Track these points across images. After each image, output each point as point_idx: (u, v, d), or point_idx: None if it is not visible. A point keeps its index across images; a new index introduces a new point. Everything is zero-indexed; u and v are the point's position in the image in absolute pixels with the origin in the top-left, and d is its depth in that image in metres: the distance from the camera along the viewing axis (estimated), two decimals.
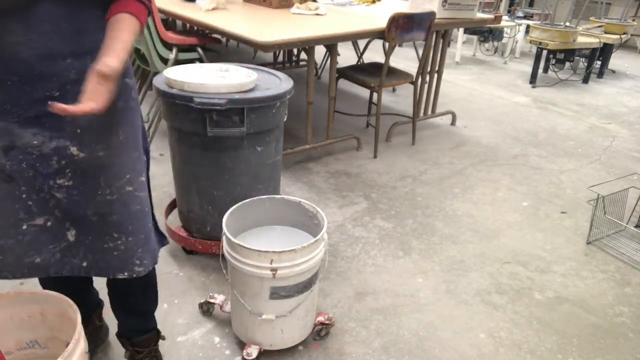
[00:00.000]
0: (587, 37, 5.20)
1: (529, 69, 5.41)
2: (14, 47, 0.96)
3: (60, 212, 1.14)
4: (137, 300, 1.44)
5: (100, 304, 1.61)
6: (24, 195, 1.10)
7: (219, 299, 1.78)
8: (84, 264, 1.21)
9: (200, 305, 1.82)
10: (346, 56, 5.36)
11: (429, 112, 3.81)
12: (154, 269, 1.36)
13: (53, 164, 1.09)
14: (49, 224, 1.15)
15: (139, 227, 1.23)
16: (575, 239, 2.45)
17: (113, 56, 0.98)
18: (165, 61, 2.84)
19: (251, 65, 2.11)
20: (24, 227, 1.13)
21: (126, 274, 1.24)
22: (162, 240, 1.38)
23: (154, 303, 1.49)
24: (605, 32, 5.41)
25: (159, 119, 3.07)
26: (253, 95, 1.76)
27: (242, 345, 1.65)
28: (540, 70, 5.41)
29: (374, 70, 3.33)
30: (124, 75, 1.14)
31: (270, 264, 1.45)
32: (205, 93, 1.71)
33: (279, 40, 2.43)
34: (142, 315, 1.49)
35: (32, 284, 1.73)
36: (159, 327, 1.54)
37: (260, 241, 1.70)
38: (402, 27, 2.86)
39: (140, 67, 3.25)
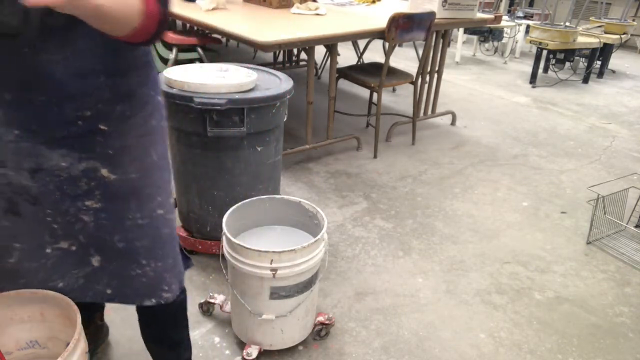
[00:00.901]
0: (587, 37, 5.20)
1: (529, 69, 5.41)
2: (48, 65, 0.91)
3: (85, 238, 1.10)
4: (170, 328, 1.37)
5: (102, 304, 1.61)
6: (48, 218, 1.06)
7: (219, 299, 1.78)
8: (108, 290, 1.18)
9: (200, 305, 1.82)
10: (346, 56, 5.35)
11: (429, 112, 3.81)
12: (184, 292, 1.29)
13: (82, 186, 1.04)
14: (73, 247, 1.11)
15: (168, 252, 1.20)
16: (575, 239, 2.45)
17: None
18: (165, 61, 2.85)
19: (251, 65, 2.11)
20: (48, 250, 1.10)
21: (153, 300, 1.19)
22: (187, 262, 1.33)
23: (186, 328, 1.41)
24: (605, 32, 5.41)
25: None
26: (253, 95, 1.76)
27: (242, 345, 1.65)
28: (540, 70, 5.41)
29: (374, 70, 3.33)
30: (156, 92, 1.10)
31: (270, 264, 1.45)
32: (205, 93, 1.71)
33: (279, 40, 2.43)
34: (176, 346, 1.41)
35: None
36: None
37: (260, 241, 1.70)
38: (402, 27, 2.86)
39: None
